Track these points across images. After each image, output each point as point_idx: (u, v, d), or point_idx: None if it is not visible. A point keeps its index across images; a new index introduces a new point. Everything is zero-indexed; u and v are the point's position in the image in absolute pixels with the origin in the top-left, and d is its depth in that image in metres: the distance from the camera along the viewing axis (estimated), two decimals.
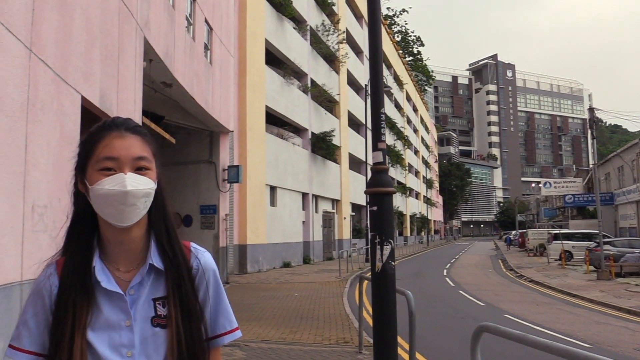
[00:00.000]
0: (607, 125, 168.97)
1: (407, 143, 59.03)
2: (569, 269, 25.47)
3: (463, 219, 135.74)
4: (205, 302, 1.48)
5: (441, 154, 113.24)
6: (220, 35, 16.56)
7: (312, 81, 30.04)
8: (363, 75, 39.95)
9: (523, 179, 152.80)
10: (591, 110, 25.74)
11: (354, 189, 37.35)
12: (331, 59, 33.90)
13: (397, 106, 56.64)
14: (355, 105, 39.03)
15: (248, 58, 21.93)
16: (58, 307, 1.37)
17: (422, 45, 78.30)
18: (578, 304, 14.77)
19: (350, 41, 38.76)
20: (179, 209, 17.81)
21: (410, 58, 76.20)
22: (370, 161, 6.27)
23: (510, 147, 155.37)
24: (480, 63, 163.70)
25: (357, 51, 41.46)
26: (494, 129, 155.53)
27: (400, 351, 5.91)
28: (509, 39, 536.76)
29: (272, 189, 24.54)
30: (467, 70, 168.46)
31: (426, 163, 76.64)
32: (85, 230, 1.43)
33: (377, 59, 5.39)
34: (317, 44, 31.21)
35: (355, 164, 39.32)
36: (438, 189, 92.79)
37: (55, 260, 1.45)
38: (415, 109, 70.51)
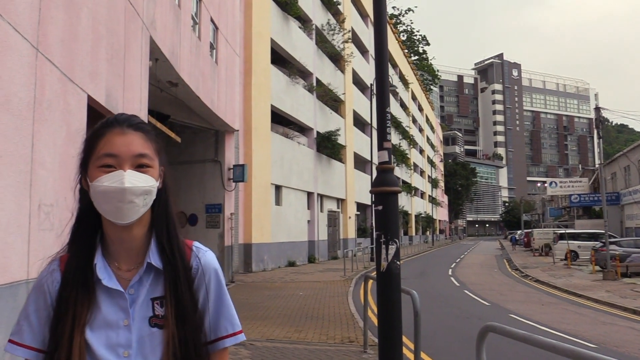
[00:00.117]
0: (613, 124, 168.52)
1: (412, 142, 58.96)
2: (574, 269, 25.39)
3: (468, 219, 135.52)
4: (205, 303, 1.45)
5: (446, 154, 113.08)
6: (225, 35, 16.58)
7: (318, 80, 30.03)
8: (368, 75, 39.92)
9: (529, 178, 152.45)
10: (597, 109, 25.63)
11: (359, 188, 37.32)
12: (337, 58, 33.88)
13: (403, 105, 56.57)
14: (361, 104, 39.00)
15: (253, 57, 21.94)
16: (59, 304, 1.36)
17: (428, 44, 78.07)
18: (584, 304, 14.73)
19: (356, 40, 38.73)
20: (184, 208, 17.84)
21: (416, 57, 76.06)
22: (375, 160, 6.26)
23: (516, 146, 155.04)
24: (486, 62, 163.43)
25: (363, 50, 41.43)
26: (500, 128, 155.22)
27: (405, 351, 5.91)
28: (515, 38, 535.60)
29: (278, 188, 24.55)
30: (473, 69, 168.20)
31: (431, 162, 76.50)
32: (90, 228, 1.42)
33: (382, 58, 5.38)
34: (323, 43, 31.20)
35: (361, 163, 39.30)
36: (443, 188, 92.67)
37: (59, 256, 1.45)
38: (420, 109, 70.40)
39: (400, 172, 50.88)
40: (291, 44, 26.45)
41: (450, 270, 26.41)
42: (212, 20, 15.06)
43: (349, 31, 34.95)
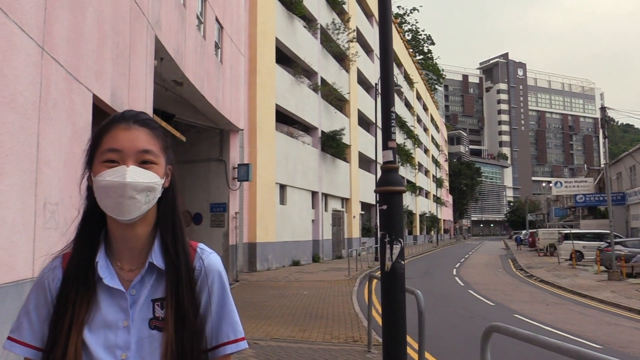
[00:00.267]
0: (619, 124, 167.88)
1: (417, 142, 58.90)
2: (579, 269, 25.32)
3: (473, 218, 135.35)
4: (207, 307, 1.40)
5: (451, 153, 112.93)
6: (230, 34, 16.60)
7: (322, 80, 30.03)
8: (373, 74, 39.90)
9: (534, 178, 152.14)
10: (603, 109, 25.56)
11: (363, 187, 37.31)
12: (341, 58, 33.87)
13: (407, 105, 56.53)
14: (366, 104, 38.99)
15: (258, 56, 21.95)
16: (59, 302, 1.34)
17: (433, 44, 78.06)
18: (588, 305, 14.69)
19: (361, 40, 38.72)
20: (189, 207, 17.88)
21: (421, 57, 76.00)
22: (380, 160, 6.26)
23: (521, 146, 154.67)
24: (491, 62, 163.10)
25: (368, 50, 41.41)
26: (505, 128, 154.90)
27: (409, 350, 5.91)
28: (520, 37, 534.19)
29: (282, 187, 24.57)
30: (478, 69, 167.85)
31: (436, 162, 76.44)
32: (95, 226, 1.39)
33: (387, 58, 5.38)
34: (328, 43, 31.20)
35: (365, 162, 39.29)
36: (448, 188, 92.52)
37: (62, 254, 1.42)
38: (425, 108, 70.31)
39: (404, 171, 50.84)
40: (296, 43, 26.46)
41: (454, 270, 26.37)
42: (217, 20, 15.08)
43: (354, 30, 34.93)
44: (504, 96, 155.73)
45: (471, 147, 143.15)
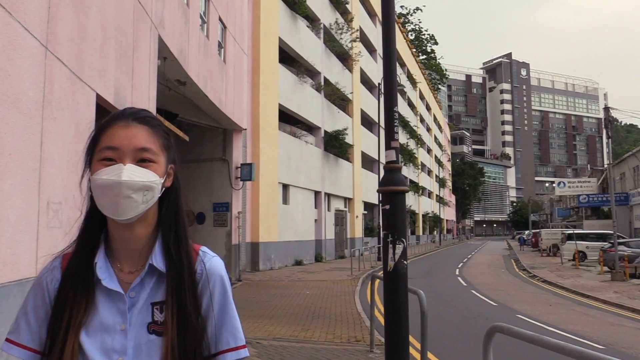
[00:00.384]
0: (622, 124, 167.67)
1: (420, 142, 58.84)
2: (582, 269, 25.28)
3: (476, 219, 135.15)
4: (208, 311, 1.36)
5: (454, 153, 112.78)
6: (234, 34, 16.61)
7: (326, 79, 30.03)
8: (376, 74, 39.87)
9: (537, 178, 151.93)
10: (606, 109, 25.50)
11: (366, 187, 37.29)
12: (344, 58, 33.86)
13: (410, 105, 56.48)
14: (368, 103, 38.97)
15: (261, 56, 21.96)
16: (57, 303, 1.31)
17: (436, 43, 77.86)
18: (592, 305, 14.66)
19: (364, 39, 38.69)
20: (192, 207, 17.89)
21: (424, 56, 75.88)
22: (383, 160, 6.26)
23: (524, 146, 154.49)
24: (495, 62, 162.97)
25: (371, 50, 41.39)
26: (508, 128, 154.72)
27: (411, 350, 5.91)
28: (524, 37, 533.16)
29: (285, 187, 24.57)
30: (481, 69, 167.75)
31: (439, 162, 76.34)
32: (96, 226, 1.36)
33: (390, 58, 5.38)
34: (331, 43, 31.19)
35: (368, 162, 39.27)
36: (451, 188, 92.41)
37: (62, 254, 1.40)
38: (428, 108, 70.25)
39: (407, 171, 50.81)
40: (299, 43, 26.46)
41: (457, 270, 26.35)
42: (220, 20, 15.10)
43: (357, 30, 34.92)
44: (507, 96, 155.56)
45: (474, 147, 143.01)
